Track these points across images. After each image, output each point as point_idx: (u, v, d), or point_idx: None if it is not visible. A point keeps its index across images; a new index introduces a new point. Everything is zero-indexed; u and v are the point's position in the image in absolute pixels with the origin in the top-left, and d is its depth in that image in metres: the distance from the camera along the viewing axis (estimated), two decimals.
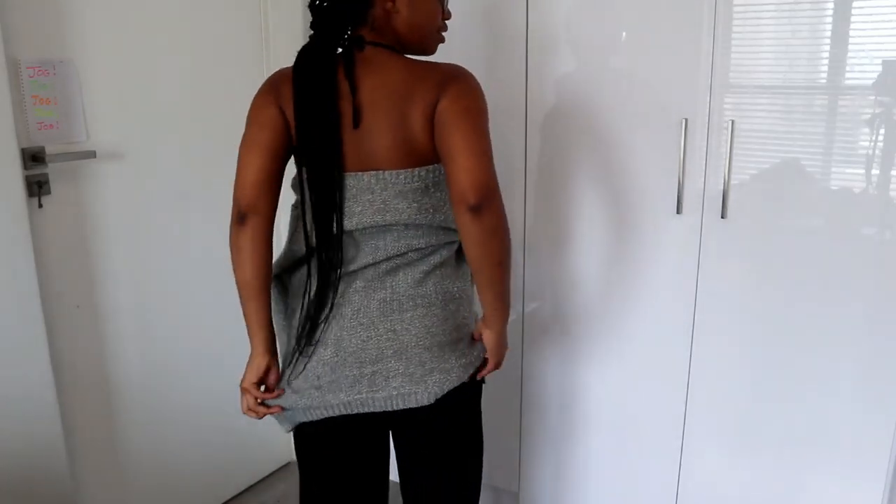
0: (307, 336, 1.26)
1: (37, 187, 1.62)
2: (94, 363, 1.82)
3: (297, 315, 1.28)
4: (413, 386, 1.25)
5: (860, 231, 1.48)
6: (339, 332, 1.24)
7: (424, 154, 1.21)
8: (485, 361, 1.33)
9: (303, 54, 1.21)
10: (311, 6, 1.23)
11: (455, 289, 1.29)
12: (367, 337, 1.24)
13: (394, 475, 1.51)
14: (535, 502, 2.06)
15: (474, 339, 1.33)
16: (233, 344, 2.16)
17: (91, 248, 1.77)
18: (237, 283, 1.28)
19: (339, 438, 1.35)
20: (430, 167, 1.21)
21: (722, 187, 1.58)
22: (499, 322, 1.31)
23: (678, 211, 1.64)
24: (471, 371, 1.30)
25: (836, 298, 1.52)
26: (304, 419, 1.32)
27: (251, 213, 1.24)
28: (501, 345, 1.33)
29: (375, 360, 1.25)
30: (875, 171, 1.45)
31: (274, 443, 2.35)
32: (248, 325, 1.32)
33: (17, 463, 1.64)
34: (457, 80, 1.19)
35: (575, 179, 1.77)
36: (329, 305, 1.24)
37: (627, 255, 1.74)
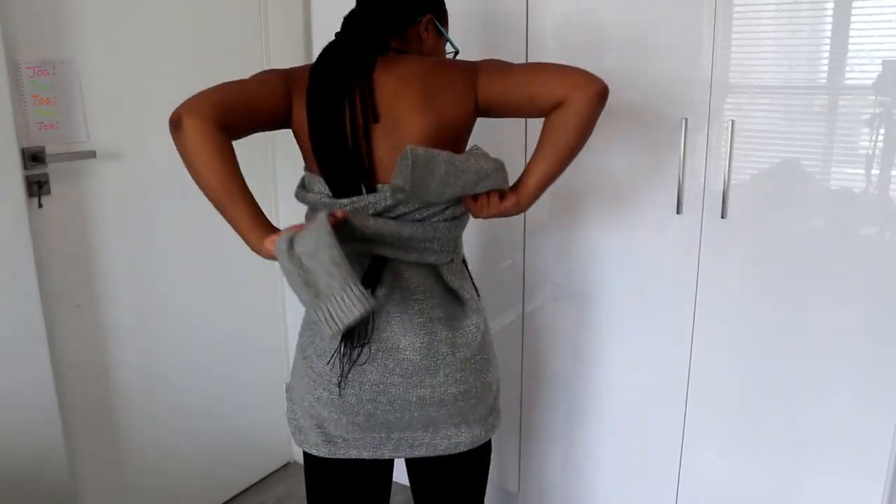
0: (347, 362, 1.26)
1: (37, 187, 1.63)
2: (94, 363, 1.82)
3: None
4: (434, 449, 1.31)
5: (860, 231, 1.48)
6: (374, 409, 1.24)
7: (456, 135, 1.23)
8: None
9: (328, 52, 1.23)
10: (349, 15, 1.27)
11: (491, 373, 1.32)
12: (400, 417, 1.26)
13: (399, 477, 1.52)
14: (535, 502, 2.06)
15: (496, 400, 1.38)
16: (233, 344, 2.17)
17: (91, 248, 1.77)
18: (204, 191, 1.13)
19: (355, 464, 1.38)
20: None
21: (722, 187, 1.58)
22: (543, 182, 1.23)
23: (678, 211, 1.64)
24: (491, 435, 1.37)
25: (836, 298, 1.52)
26: (321, 455, 1.33)
27: (187, 115, 1.07)
28: (531, 199, 1.24)
29: (404, 428, 1.28)
30: (875, 171, 1.45)
31: (274, 443, 2.35)
32: (235, 226, 1.15)
33: (17, 463, 1.64)
34: (479, 61, 1.25)
35: (575, 180, 1.77)
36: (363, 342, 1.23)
37: (628, 255, 1.74)
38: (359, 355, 1.22)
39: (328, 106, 1.19)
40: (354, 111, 1.18)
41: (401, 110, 1.19)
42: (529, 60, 1.75)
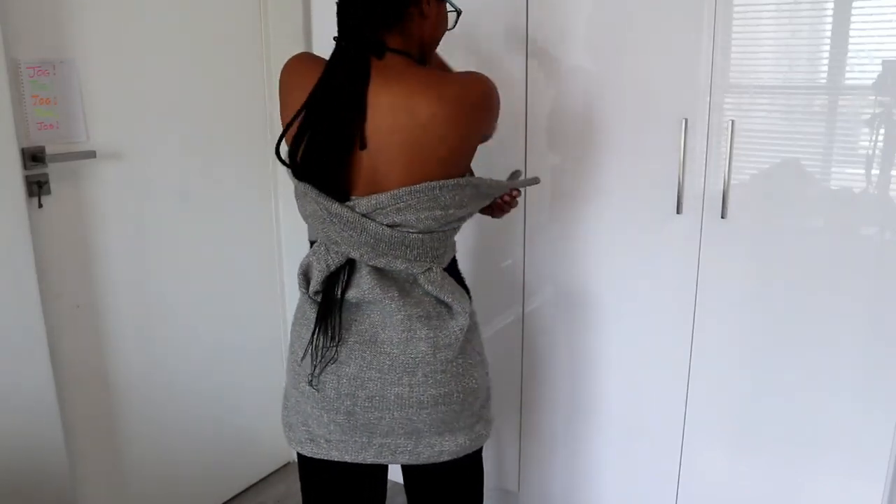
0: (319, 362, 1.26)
1: (37, 187, 1.62)
2: (94, 363, 1.82)
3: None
4: (417, 457, 1.29)
5: (860, 231, 1.48)
6: (353, 406, 1.24)
7: (439, 170, 1.19)
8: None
9: (334, 64, 1.18)
10: (342, 3, 1.19)
11: (476, 379, 1.30)
12: (381, 417, 1.25)
13: (395, 476, 1.52)
14: (535, 502, 2.06)
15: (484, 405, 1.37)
16: (233, 344, 2.17)
17: (91, 248, 1.77)
18: None
19: (343, 467, 1.37)
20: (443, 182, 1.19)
21: (722, 187, 1.58)
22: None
23: (678, 211, 1.64)
24: (478, 445, 1.35)
25: (836, 298, 1.52)
26: (305, 454, 1.34)
27: None
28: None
29: (386, 434, 1.27)
30: (875, 171, 1.45)
31: (274, 443, 2.35)
32: None
33: (17, 463, 1.64)
34: (448, 86, 1.18)
35: (575, 180, 1.77)
36: (336, 338, 1.23)
37: (627, 255, 1.74)
38: (333, 355, 1.22)
39: (322, 125, 1.17)
40: (344, 134, 1.15)
41: (388, 146, 1.15)
42: (529, 61, 1.75)
